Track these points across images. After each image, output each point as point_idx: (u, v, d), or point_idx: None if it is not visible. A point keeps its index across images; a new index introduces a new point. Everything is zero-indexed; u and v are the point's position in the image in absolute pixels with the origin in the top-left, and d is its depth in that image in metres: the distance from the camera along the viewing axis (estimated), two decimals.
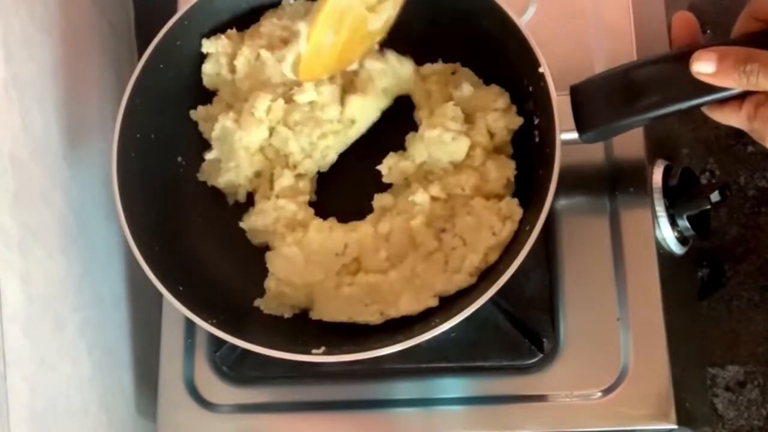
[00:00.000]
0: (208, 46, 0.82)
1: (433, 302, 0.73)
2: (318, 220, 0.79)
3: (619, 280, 0.76)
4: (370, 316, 0.74)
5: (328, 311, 0.76)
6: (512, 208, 0.74)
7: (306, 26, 0.72)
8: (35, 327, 0.71)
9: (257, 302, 0.78)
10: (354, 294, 0.75)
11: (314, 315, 0.76)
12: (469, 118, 0.78)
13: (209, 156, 0.81)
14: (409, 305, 0.73)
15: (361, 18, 0.74)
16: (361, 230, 0.77)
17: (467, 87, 0.78)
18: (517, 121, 0.77)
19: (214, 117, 0.82)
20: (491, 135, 0.77)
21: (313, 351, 0.70)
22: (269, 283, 0.78)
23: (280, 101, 0.79)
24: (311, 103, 0.79)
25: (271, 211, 0.79)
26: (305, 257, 0.77)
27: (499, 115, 0.77)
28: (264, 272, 0.78)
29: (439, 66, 0.82)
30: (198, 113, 0.83)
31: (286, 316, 0.77)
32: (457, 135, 0.76)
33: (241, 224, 0.80)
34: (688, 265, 0.93)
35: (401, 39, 0.82)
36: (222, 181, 0.81)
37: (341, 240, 0.77)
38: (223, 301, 0.77)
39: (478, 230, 0.73)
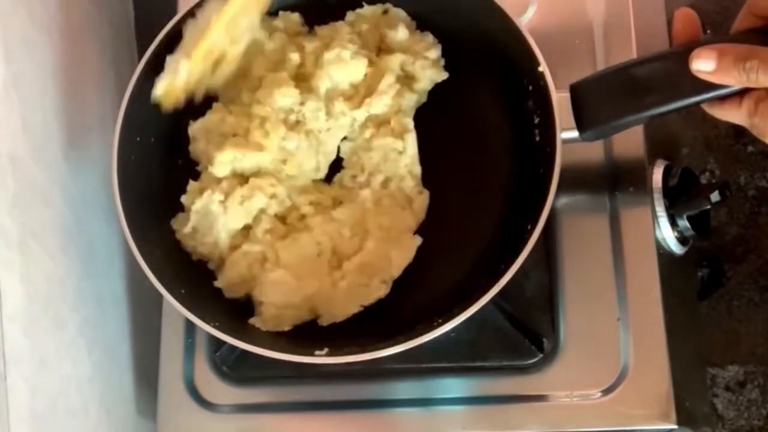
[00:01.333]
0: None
1: (418, 239, 0.76)
2: (283, 241, 0.76)
3: (619, 280, 0.76)
4: (378, 291, 0.74)
5: (338, 311, 0.74)
6: (403, 121, 0.77)
7: (184, 60, 0.73)
8: (35, 327, 0.71)
9: (252, 320, 0.75)
10: (352, 281, 0.74)
11: (324, 321, 0.75)
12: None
13: (186, 230, 0.77)
14: (401, 257, 0.75)
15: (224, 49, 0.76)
16: (317, 226, 0.76)
17: (403, 30, 0.79)
18: (443, 75, 0.79)
19: (199, 189, 0.78)
20: (413, 78, 0.79)
21: (317, 352, 0.70)
22: (268, 311, 0.75)
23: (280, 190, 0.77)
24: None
25: (241, 259, 0.76)
26: (293, 274, 0.75)
27: (427, 65, 0.79)
28: None
29: (368, 9, 0.82)
30: (190, 186, 0.79)
31: (286, 329, 0.75)
32: (355, 54, 0.77)
33: (216, 284, 0.77)
34: (688, 265, 0.93)
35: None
36: (196, 251, 0.78)
37: (313, 242, 0.76)
38: (224, 303, 0.77)
39: (385, 162, 0.77)
